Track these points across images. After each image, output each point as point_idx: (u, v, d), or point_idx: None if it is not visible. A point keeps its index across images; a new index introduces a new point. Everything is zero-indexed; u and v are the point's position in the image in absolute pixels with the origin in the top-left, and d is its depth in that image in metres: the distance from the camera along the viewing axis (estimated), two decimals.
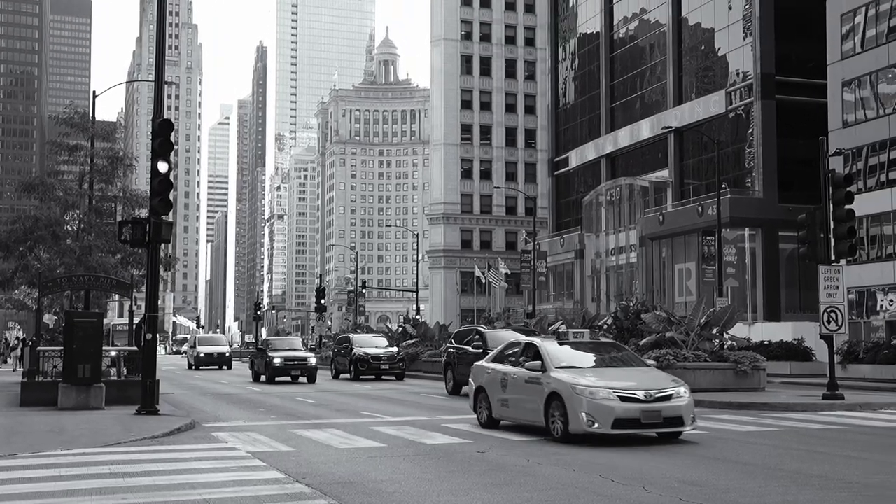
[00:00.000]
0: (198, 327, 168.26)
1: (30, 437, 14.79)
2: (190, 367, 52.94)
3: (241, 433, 15.76)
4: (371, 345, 36.69)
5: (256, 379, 35.86)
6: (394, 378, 35.32)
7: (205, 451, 13.33)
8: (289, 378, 34.15)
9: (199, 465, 11.88)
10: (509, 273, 72.80)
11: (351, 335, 40.92)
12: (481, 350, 23.49)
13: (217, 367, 51.76)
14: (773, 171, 53.88)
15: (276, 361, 33.46)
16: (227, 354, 53.56)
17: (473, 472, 11.14)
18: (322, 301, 71.18)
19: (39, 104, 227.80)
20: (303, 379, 34.14)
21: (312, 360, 34.21)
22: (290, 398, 25.62)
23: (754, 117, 54.74)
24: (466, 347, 25.68)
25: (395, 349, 37.52)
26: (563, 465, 11.60)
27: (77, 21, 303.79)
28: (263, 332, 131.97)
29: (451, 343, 28.11)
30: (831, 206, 22.27)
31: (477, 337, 25.79)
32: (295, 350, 35.70)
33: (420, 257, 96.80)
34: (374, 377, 35.44)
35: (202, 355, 52.18)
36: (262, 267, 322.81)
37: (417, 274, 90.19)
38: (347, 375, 36.59)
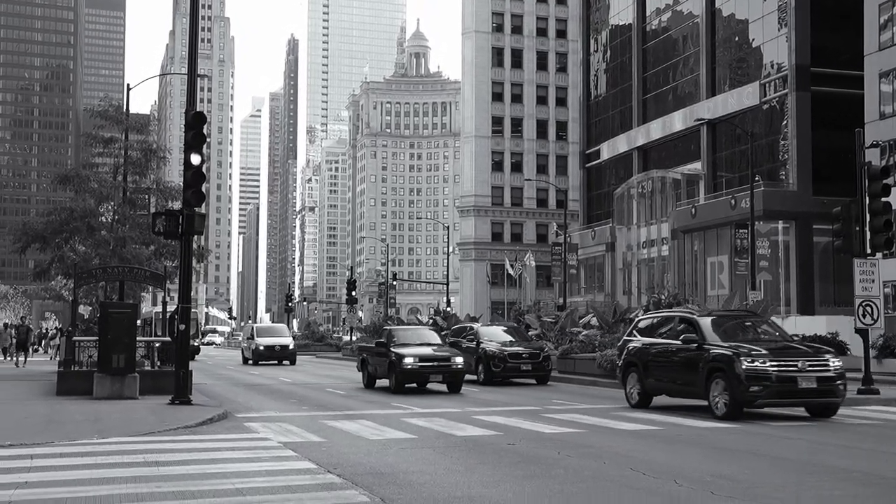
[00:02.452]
0: (230, 318, 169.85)
1: (66, 426, 15.00)
2: (246, 361, 46.72)
3: (272, 423, 15.86)
4: (500, 338, 29.03)
5: (371, 384, 26.27)
6: (535, 382, 27.63)
7: (237, 441, 13.44)
8: (421, 384, 24.91)
9: (232, 454, 11.98)
10: (532, 263, 72.39)
11: (476, 325, 32.16)
12: (696, 345, 17.05)
13: (278, 361, 45.77)
14: (808, 163, 53.30)
15: (408, 361, 24.00)
16: (292, 347, 46.66)
17: (504, 463, 11.14)
18: (353, 293, 71.37)
19: (75, 97, 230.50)
20: (441, 386, 24.89)
21: (459, 361, 24.44)
22: (320, 389, 25.75)
23: (789, 109, 54.15)
24: (670, 342, 18.19)
25: (535, 343, 30.16)
26: (593, 457, 11.58)
27: (111, 15, 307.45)
28: (294, 324, 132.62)
29: (632, 334, 20.24)
30: (867, 198, 21.99)
31: (688, 328, 17.84)
32: (430, 345, 25.63)
33: (450, 250, 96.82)
34: (501, 380, 27.56)
35: (262, 348, 45.55)
36: (294, 259, 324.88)
37: (448, 266, 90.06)
38: (472, 377, 27.48)
